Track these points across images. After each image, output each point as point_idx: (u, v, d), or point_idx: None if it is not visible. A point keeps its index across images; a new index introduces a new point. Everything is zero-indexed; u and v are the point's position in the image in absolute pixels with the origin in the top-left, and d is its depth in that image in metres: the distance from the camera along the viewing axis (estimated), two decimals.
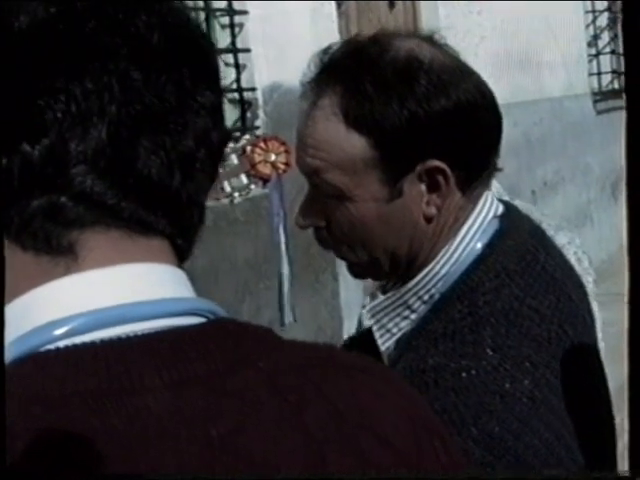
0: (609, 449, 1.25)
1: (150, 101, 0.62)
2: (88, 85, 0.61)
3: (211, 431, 0.60)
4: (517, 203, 2.40)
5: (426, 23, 6.01)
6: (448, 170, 1.15)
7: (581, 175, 8.02)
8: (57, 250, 0.62)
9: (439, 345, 1.13)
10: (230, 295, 4.17)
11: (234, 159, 2.12)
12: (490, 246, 1.19)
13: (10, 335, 0.60)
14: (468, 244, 1.19)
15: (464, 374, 1.09)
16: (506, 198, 2.33)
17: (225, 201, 2.19)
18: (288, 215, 3.59)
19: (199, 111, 0.65)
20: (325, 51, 1.20)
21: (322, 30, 4.54)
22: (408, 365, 1.16)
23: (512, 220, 1.23)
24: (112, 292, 0.62)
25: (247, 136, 2.02)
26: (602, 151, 8.32)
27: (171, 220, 0.65)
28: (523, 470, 1.06)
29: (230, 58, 4.30)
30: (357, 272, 1.28)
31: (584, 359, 1.18)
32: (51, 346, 0.59)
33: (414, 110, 1.12)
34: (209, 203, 2.16)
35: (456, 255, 1.19)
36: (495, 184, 2.35)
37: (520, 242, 1.20)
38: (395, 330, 1.23)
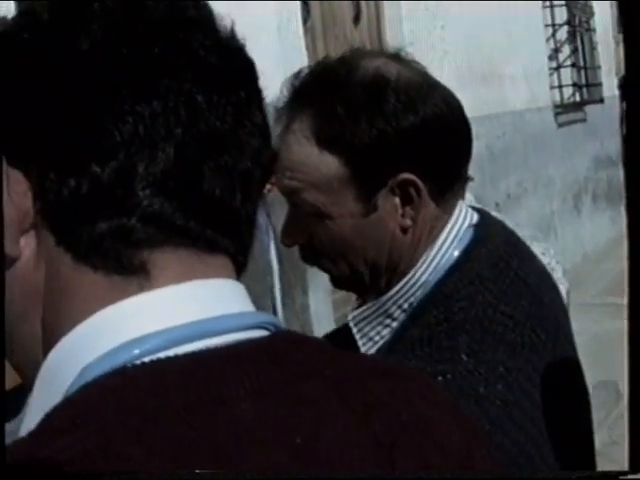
0: (587, 448, 1.29)
1: (213, 123, 0.63)
2: (155, 107, 0.61)
3: (295, 438, 0.61)
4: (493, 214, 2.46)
5: (390, 38, 6.07)
6: (419, 182, 1.19)
7: (543, 187, 8.12)
8: (129, 269, 0.63)
9: (416, 350, 1.17)
10: None
11: None
12: (465, 254, 1.23)
13: (87, 352, 0.61)
14: (445, 252, 1.23)
15: (440, 377, 1.13)
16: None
17: None
18: (277, 233, 3.61)
19: (253, 131, 0.66)
20: (296, 75, 1.24)
21: (289, 46, 4.59)
22: None
23: (487, 228, 1.28)
24: (187, 308, 0.63)
25: None
26: (564, 163, 8.43)
27: (233, 239, 0.67)
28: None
29: None
30: (340, 284, 1.31)
31: (559, 361, 1.22)
32: (137, 362, 0.60)
33: (383, 128, 1.16)
34: None
35: (434, 263, 1.23)
36: (468, 195, 2.40)
37: (494, 249, 1.24)
38: (377, 338, 1.27)
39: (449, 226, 1.25)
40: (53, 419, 0.58)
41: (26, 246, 0.64)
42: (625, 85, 0.74)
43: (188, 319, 0.62)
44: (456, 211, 1.26)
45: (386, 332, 1.26)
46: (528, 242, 2.37)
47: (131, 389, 0.58)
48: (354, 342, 1.29)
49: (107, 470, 0.55)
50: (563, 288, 2.34)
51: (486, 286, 1.19)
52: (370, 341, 1.27)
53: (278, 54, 4.41)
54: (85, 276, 0.63)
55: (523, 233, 2.39)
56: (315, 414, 0.64)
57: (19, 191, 0.63)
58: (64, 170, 0.61)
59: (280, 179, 1.25)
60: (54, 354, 0.63)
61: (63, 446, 0.55)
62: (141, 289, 0.63)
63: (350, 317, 1.31)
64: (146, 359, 0.60)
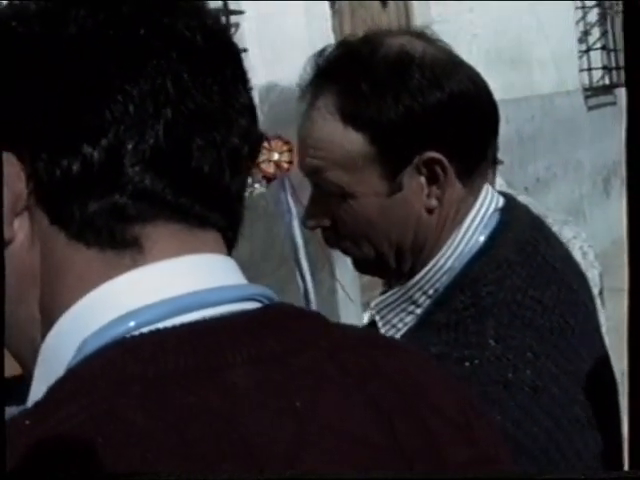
0: (616, 434, 1.27)
1: (200, 101, 0.65)
2: (144, 86, 0.63)
3: (295, 402, 0.63)
4: (522, 198, 2.44)
5: (418, 21, 6.04)
6: (445, 161, 1.18)
7: (573, 171, 8.06)
8: (122, 245, 0.64)
9: (442, 335, 1.16)
10: None
11: None
12: (492, 238, 1.21)
13: (85, 328, 0.62)
14: (471, 237, 1.22)
15: (467, 363, 1.12)
16: (511, 192, 2.37)
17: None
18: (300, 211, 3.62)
19: (241, 110, 0.68)
20: (320, 53, 1.23)
21: (316, 29, 4.58)
22: None
23: (513, 212, 1.26)
24: (181, 281, 0.64)
25: None
26: (593, 147, 8.37)
27: (223, 214, 0.68)
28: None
29: None
30: (364, 268, 1.30)
31: (587, 348, 1.21)
32: (135, 333, 0.62)
33: (409, 104, 1.15)
34: None
35: (459, 249, 1.22)
36: (499, 179, 2.38)
37: (521, 234, 1.22)
38: (400, 325, 1.25)
39: (475, 210, 1.23)
40: (56, 391, 0.60)
41: (20, 228, 0.65)
42: (626, 84, 0.74)
43: (183, 291, 0.64)
44: (482, 194, 1.25)
45: (410, 319, 1.24)
46: (559, 226, 2.36)
47: (131, 359, 0.60)
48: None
49: (119, 470, 0.56)
50: (596, 272, 2.33)
51: (514, 270, 1.18)
52: (393, 328, 1.26)
53: (305, 37, 4.40)
54: (79, 254, 0.64)
55: (555, 217, 2.39)
56: (312, 381, 0.65)
57: (12, 173, 0.64)
58: (56, 151, 0.63)
59: (302, 158, 1.24)
60: (53, 332, 0.64)
61: (68, 414, 0.57)
62: (135, 263, 0.64)
63: (373, 304, 1.29)
64: (144, 330, 0.62)
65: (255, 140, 0.70)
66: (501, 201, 1.27)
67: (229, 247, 0.71)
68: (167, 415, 0.58)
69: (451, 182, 1.20)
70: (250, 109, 0.70)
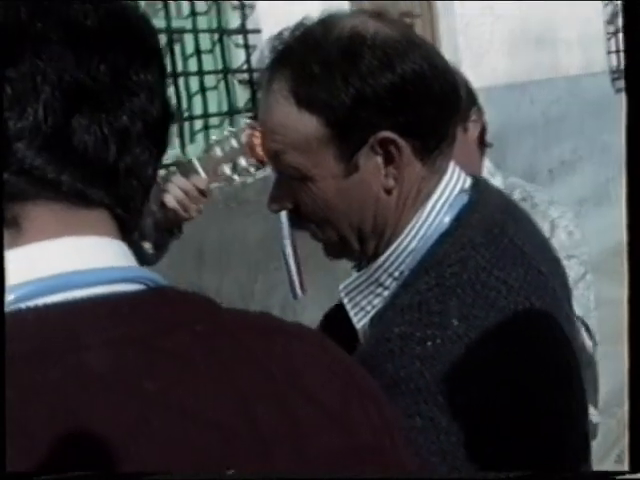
0: (577, 422, 1.25)
1: (84, 81, 0.67)
2: (22, 69, 0.65)
3: (146, 386, 0.64)
4: (512, 180, 2.42)
5: (442, 3, 6.00)
6: (401, 141, 1.18)
7: (599, 154, 7.99)
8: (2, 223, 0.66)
9: (405, 315, 1.16)
10: (242, 275, 4.21)
11: (234, 142, 2.15)
12: (458, 219, 1.21)
13: None
14: (435, 218, 1.22)
15: (429, 343, 1.12)
16: (498, 177, 2.35)
17: (238, 181, 2.21)
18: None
19: (134, 89, 0.70)
20: (277, 36, 1.24)
21: (333, 10, 4.55)
22: (374, 335, 1.19)
23: (481, 194, 1.26)
24: (54, 262, 0.66)
25: (246, 120, 2.04)
26: (620, 129, 8.28)
27: (109, 191, 0.70)
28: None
29: (240, 39, 4.32)
30: (331, 253, 1.31)
31: (550, 331, 1.19)
32: (8, 306, 0.63)
33: (359, 86, 1.15)
34: (215, 185, 2.15)
35: (423, 230, 1.22)
36: (487, 162, 2.37)
37: (488, 215, 1.22)
38: (369, 308, 1.26)
39: (439, 190, 1.23)
40: None
41: None
42: (626, 89, 0.74)
43: (54, 272, 0.65)
44: (447, 175, 1.24)
45: (378, 301, 1.25)
46: (545, 206, 2.34)
47: None
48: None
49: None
50: (585, 249, 2.31)
51: (479, 251, 1.18)
52: (362, 311, 1.27)
53: None
54: None
55: (542, 197, 2.37)
56: (174, 365, 0.66)
57: None
58: None
59: (264, 142, 1.25)
60: None
61: None
62: (13, 243, 0.66)
63: (341, 287, 1.30)
64: (11, 308, 0.63)
65: (154, 119, 0.72)
66: (468, 182, 1.26)
67: (123, 226, 0.72)
68: (15, 392, 0.59)
69: (408, 161, 1.20)
70: (149, 88, 0.71)
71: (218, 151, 2.19)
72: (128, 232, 0.73)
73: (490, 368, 1.11)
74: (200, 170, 2.16)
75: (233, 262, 4.04)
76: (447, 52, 5.17)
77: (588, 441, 1.26)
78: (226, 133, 2.24)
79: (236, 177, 2.18)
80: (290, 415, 0.69)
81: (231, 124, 4.51)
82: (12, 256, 0.65)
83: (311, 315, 1.86)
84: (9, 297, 0.64)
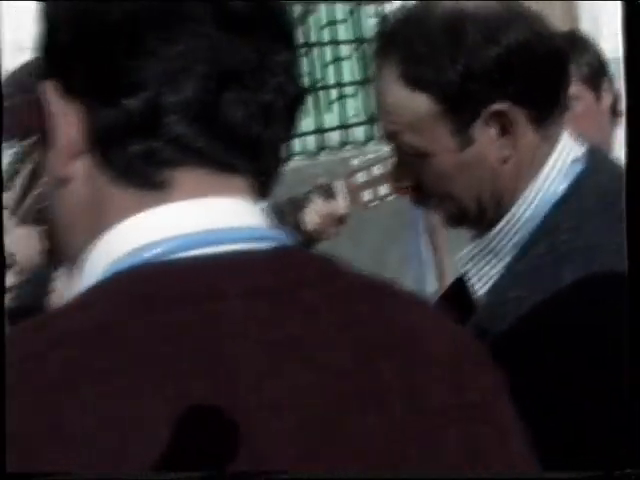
0: None
1: (233, 60, 0.74)
2: (179, 48, 0.73)
3: (278, 334, 0.71)
4: None
5: None
6: (513, 111, 1.21)
7: None
8: (152, 186, 0.74)
9: (520, 281, 1.20)
10: (376, 245, 4.26)
11: (376, 170, 2.18)
12: (571, 188, 1.24)
13: (111, 254, 0.74)
14: (549, 187, 1.25)
15: (542, 307, 1.14)
16: None
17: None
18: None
19: (275, 68, 0.76)
20: (381, 22, 1.30)
21: None
22: (490, 301, 1.23)
23: (595, 162, 1.27)
24: (198, 220, 0.74)
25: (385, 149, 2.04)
26: None
27: (250, 161, 0.77)
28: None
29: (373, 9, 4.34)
30: (452, 223, 1.35)
31: None
32: (150, 261, 0.72)
33: (466, 63, 1.19)
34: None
35: (538, 198, 1.25)
36: (620, 132, 2.33)
37: (602, 184, 1.24)
38: (485, 277, 1.29)
39: (552, 158, 1.25)
40: (75, 300, 0.71)
41: (75, 169, 0.76)
42: (626, 88, 0.76)
43: (199, 228, 0.73)
44: (560, 143, 1.26)
45: (493, 270, 1.28)
46: None
47: (139, 281, 0.71)
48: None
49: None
50: None
51: (591, 219, 1.20)
52: (479, 281, 1.30)
53: None
54: (119, 192, 0.75)
55: None
56: (302, 317, 0.73)
57: (69, 122, 0.75)
58: (104, 103, 0.74)
59: (381, 124, 1.31)
60: (89, 254, 0.76)
61: (78, 321, 0.68)
62: (162, 202, 0.74)
63: (457, 258, 1.34)
64: (158, 259, 0.72)
65: (291, 96, 0.78)
66: (582, 150, 1.28)
67: (262, 191, 0.79)
68: (162, 330, 0.68)
69: (522, 131, 1.23)
70: (288, 68, 0.78)
71: (360, 177, 2.22)
72: (266, 196, 0.80)
73: (604, 333, 1.13)
74: (340, 196, 2.18)
75: (367, 231, 4.09)
76: (586, 22, 5.09)
77: None
78: (370, 157, 2.26)
79: (375, 204, 2.20)
80: (408, 371, 0.75)
81: (365, 94, 4.55)
82: (160, 212, 0.74)
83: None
84: (157, 250, 0.72)
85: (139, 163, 0.74)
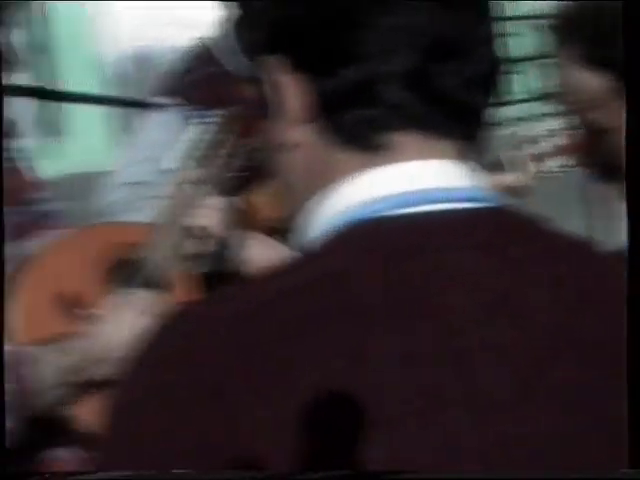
0: None
1: (442, 33, 0.79)
2: (394, 20, 0.78)
3: (495, 287, 0.75)
4: None
5: None
6: None
7: None
8: (374, 149, 0.79)
9: None
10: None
11: (545, 144, 2.18)
12: None
13: (338, 209, 0.79)
14: None
15: None
16: None
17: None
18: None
19: (480, 39, 0.81)
20: (555, 10, 1.43)
21: None
22: None
23: None
24: (416, 180, 0.79)
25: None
26: None
27: (461, 126, 0.81)
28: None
29: None
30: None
31: None
32: (379, 214, 0.77)
33: None
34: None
35: None
36: None
37: None
38: None
39: None
40: (307, 250, 0.80)
41: (303, 134, 0.82)
42: (626, 88, 0.85)
43: (422, 187, 0.79)
44: None
45: None
46: None
47: (372, 232, 0.77)
48: None
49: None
50: None
51: None
52: None
53: None
54: (342, 155, 0.80)
55: None
56: (515, 272, 0.77)
57: (295, 93, 0.81)
58: (329, 73, 0.79)
59: (562, 103, 1.45)
60: (316, 211, 0.82)
61: (309, 270, 0.76)
62: (384, 164, 0.79)
63: None
64: (385, 213, 0.78)
65: (492, 66, 0.82)
66: None
67: (473, 150, 0.83)
68: (396, 277, 0.74)
69: None
70: (489, 38, 0.83)
71: (530, 149, 2.19)
72: (471, 162, 0.84)
73: None
74: (510, 168, 2.17)
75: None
76: None
77: None
78: (541, 131, 2.27)
79: (544, 176, 2.18)
80: (610, 329, 0.77)
81: (536, 70, 4.53)
82: (384, 173, 0.79)
83: None
84: (379, 205, 0.77)
85: (362, 128, 0.78)
